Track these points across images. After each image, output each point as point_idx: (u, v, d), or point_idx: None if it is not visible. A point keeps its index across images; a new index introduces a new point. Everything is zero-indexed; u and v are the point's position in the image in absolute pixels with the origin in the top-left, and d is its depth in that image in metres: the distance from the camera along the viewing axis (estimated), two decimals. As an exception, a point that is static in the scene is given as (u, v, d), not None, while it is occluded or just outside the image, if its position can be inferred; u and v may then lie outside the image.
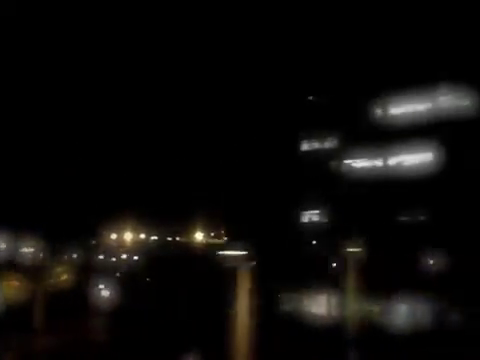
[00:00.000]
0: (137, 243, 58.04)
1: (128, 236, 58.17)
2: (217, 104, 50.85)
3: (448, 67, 40.20)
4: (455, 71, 39.88)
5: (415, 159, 42.65)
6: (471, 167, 39.01)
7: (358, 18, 44.56)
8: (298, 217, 48.94)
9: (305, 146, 49.77)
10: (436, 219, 39.74)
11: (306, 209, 49.07)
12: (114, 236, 57.79)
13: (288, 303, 47.30)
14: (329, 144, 48.35)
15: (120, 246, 57.40)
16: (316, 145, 49.06)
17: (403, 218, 42.35)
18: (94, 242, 56.09)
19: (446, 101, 41.12)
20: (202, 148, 52.18)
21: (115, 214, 51.44)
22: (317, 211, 48.48)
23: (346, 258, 39.32)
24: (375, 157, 45.00)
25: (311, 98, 49.01)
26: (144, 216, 53.39)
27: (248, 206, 50.22)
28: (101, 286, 48.30)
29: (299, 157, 49.34)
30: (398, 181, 42.75)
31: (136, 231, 58.29)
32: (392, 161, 44.16)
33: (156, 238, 59.39)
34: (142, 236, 59.39)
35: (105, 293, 46.76)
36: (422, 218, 41.07)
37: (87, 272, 50.47)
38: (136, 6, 47.73)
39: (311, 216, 48.95)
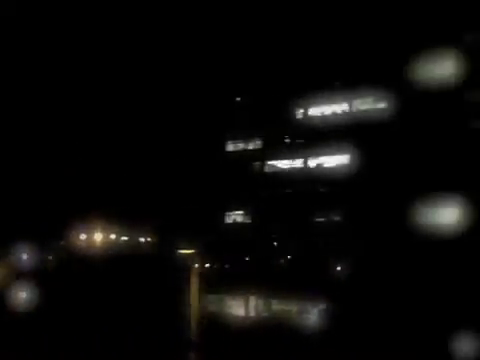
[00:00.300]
0: (107, 244, 56.50)
1: (98, 237, 56.42)
2: (147, 104, 50.37)
3: (364, 71, 40.66)
4: (371, 75, 40.31)
5: (333, 161, 42.97)
6: (384, 169, 39.45)
7: (281, 20, 44.72)
8: (223, 218, 48.74)
9: (230, 147, 49.61)
10: (348, 221, 40.06)
11: (231, 210, 48.94)
12: (83, 237, 56.03)
13: (215, 304, 47.02)
14: (253, 145, 48.32)
15: (90, 247, 55.72)
16: (241, 146, 48.95)
17: (319, 219, 42.45)
18: (62, 243, 54.40)
19: (362, 104, 41.53)
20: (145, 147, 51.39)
21: (85, 214, 50.34)
22: (241, 212, 48.39)
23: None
24: (296, 158, 45.18)
25: (236, 99, 48.89)
26: (115, 216, 52.24)
27: (177, 206, 49.86)
28: (22, 287, 47.06)
29: (224, 158, 49.18)
30: (317, 182, 43.07)
31: (106, 231, 56.63)
32: (312, 162, 44.38)
33: (127, 239, 57.89)
34: (112, 237, 57.75)
35: (22, 295, 45.56)
36: (337, 219, 41.25)
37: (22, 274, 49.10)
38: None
39: (236, 217, 48.81)
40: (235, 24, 46.11)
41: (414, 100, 38.20)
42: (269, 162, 47.15)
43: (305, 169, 44.56)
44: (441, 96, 37.01)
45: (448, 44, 36.55)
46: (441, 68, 37.10)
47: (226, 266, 47.08)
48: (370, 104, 41.21)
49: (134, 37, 49.00)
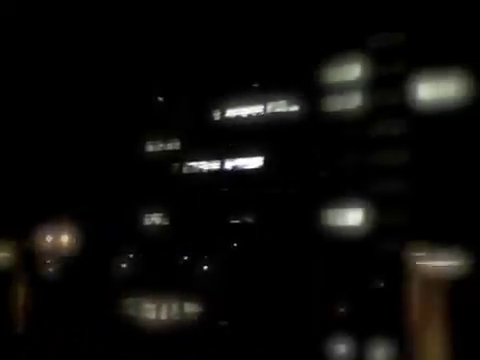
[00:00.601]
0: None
1: (64, 239, 54.58)
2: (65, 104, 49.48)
3: (278, 73, 40.91)
4: (284, 77, 40.60)
5: (249, 163, 43.06)
6: (297, 172, 39.79)
7: (198, 21, 44.59)
8: (141, 220, 48.23)
9: (150, 147, 49.15)
10: (261, 223, 40.27)
11: (150, 212, 48.46)
12: (49, 239, 54.15)
13: (131, 307, 46.51)
14: (172, 146, 48.00)
15: (56, 249, 53.86)
16: (160, 146, 48.56)
17: (234, 221, 42.50)
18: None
19: (277, 106, 41.76)
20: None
21: (51, 216, 48.90)
22: (160, 214, 47.98)
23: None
24: (213, 159, 45.11)
25: (154, 98, 48.48)
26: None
27: (96, 207, 49.09)
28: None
29: (143, 158, 48.70)
30: (232, 184, 43.12)
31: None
32: (229, 164, 44.36)
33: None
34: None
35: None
36: (250, 221, 41.38)
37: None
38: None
39: (154, 219, 48.36)
40: (153, 24, 45.75)
41: (323, 103, 38.60)
42: (188, 163, 46.89)
43: (222, 171, 44.50)
44: (348, 99, 37.54)
45: (354, 48, 37.03)
46: (348, 72, 37.65)
47: (142, 268, 46.64)
48: (284, 107, 41.41)
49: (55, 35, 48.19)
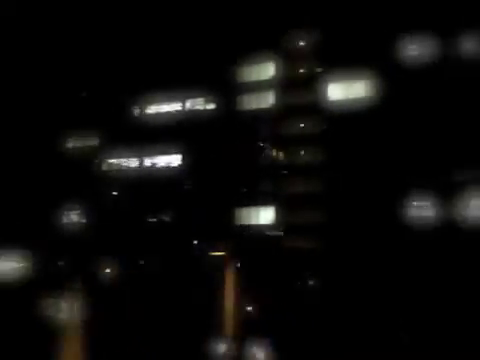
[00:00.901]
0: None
1: None
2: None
3: (196, 71, 40.68)
4: (201, 76, 40.42)
5: (167, 160, 42.75)
6: (212, 169, 39.70)
7: (117, 19, 44.03)
8: (59, 217, 47.20)
9: (70, 144, 48.15)
10: (178, 221, 40.08)
11: (69, 209, 47.48)
12: None
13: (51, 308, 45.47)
14: (92, 142, 47.13)
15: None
16: (80, 143, 47.61)
17: (151, 219, 42.11)
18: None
19: (195, 104, 41.58)
20: None
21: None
22: (78, 211, 47.08)
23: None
24: (133, 156, 44.57)
25: (75, 94, 47.48)
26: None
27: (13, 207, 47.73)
28: None
29: (62, 155, 47.64)
30: (151, 182, 42.69)
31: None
32: (147, 161, 43.92)
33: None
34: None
35: None
36: (166, 219, 41.09)
37: None
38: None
39: (72, 216, 47.42)
40: (74, 22, 44.89)
41: (239, 101, 38.68)
42: (108, 160, 46.18)
43: (141, 168, 44.03)
44: (262, 97, 37.73)
45: (268, 48, 37.20)
46: (262, 71, 37.83)
47: (60, 267, 45.71)
48: (201, 105, 41.27)
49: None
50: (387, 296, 31.40)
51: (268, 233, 36.09)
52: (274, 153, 37.50)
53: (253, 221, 36.72)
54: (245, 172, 38.02)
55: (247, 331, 26.82)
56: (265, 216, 36.48)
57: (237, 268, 35.44)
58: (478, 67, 31.41)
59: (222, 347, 25.70)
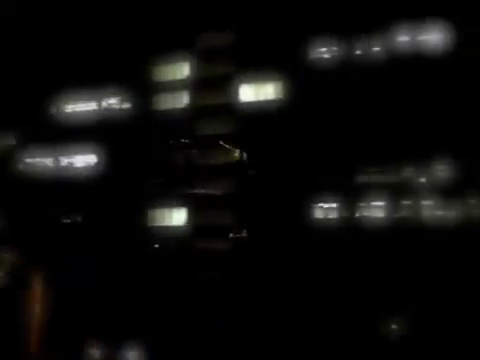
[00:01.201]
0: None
1: None
2: None
3: (111, 70, 40.19)
4: (116, 75, 39.96)
5: (83, 160, 42.05)
6: (127, 171, 39.27)
7: (31, 17, 43.17)
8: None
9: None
10: (88, 223, 39.44)
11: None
12: None
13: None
14: (9, 141, 45.94)
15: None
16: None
17: (65, 220, 41.30)
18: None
19: (111, 104, 41.05)
20: None
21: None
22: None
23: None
24: (50, 156, 43.65)
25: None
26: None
27: None
28: None
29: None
30: (66, 182, 41.87)
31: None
32: (64, 161, 43.09)
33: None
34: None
35: None
36: (79, 220, 40.37)
37: None
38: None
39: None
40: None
41: (154, 101, 38.42)
42: (24, 160, 45.08)
43: (57, 167, 43.16)
44: (177, 97, 37.60)
45: (183, 48, 37.06)
46: (176, 71, 37.70)
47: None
48: (117, 104, 40.77)
49: None
50: (294, 297, 31.66)
51: (180, 234, 35.88)
52: (188, 153, 37.32)
53: (166, 222, 36.45)
54: (159, 172, 37.72)
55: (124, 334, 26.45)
56: (178, 217, 36.28)
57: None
58: (383, 70, 32.00)
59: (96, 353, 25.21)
